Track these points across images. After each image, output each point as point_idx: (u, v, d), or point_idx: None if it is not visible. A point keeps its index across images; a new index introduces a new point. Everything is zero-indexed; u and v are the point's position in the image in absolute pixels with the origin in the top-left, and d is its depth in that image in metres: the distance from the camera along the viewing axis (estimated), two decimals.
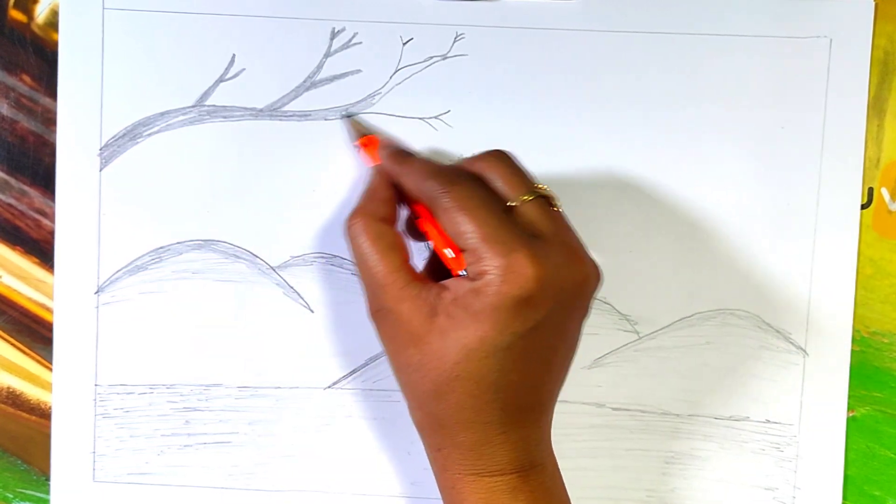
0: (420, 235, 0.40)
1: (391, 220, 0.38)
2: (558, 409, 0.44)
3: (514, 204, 0.36)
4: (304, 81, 0.43)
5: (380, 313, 0.37)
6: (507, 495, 0.36)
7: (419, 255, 0.41)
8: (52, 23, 0.43)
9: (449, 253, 0.37)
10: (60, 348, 0.44)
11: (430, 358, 0.35)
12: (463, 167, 0.38)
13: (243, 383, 0.44)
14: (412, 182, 0.38)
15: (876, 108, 0.43)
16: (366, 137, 0.42)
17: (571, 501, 0.41)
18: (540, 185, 0.37)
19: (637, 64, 0.43)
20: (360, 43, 0.43)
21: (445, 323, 0.35)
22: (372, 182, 0.40)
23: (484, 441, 0.36)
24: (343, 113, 0.43)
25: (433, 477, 0.43)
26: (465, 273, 0.36)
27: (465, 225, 0.35)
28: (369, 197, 0.39)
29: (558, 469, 0.39)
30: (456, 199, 0.35)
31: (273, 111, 0.43)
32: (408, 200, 0.39)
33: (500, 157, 0.38)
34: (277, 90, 0.43)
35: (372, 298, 0.37)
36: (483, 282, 0.34)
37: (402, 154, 0.40)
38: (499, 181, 0.37)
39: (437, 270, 0.39)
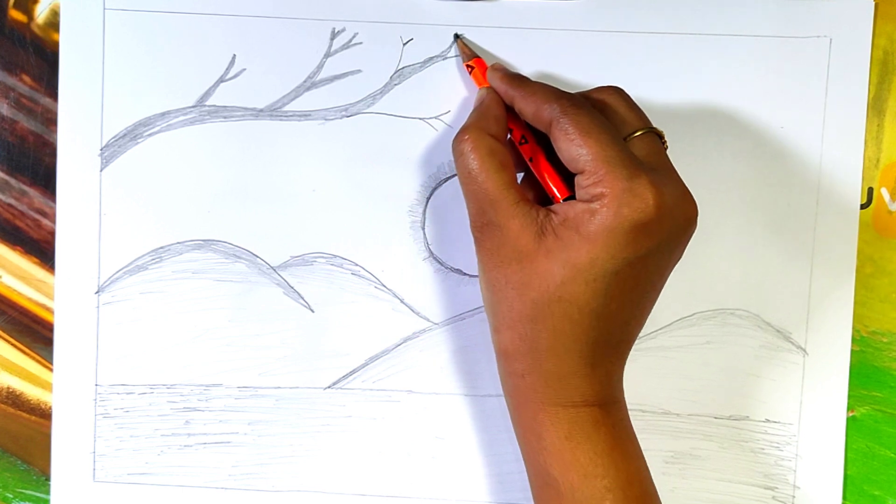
0: (518, 164, 0.40)
1: (502, 138, 0.38)
2: None
3: (630, 136, 0.37)
4: (305, 81, 0.43)
5: (486, 228, 0.37)
6: (589, 427, 0.36)
7: None
8: (53, 23, 0.43)
9: (553, 181, 0.37)
10: (60, 348, 0.44)
11: (534, 276, 0.35)
12: (582, 95, 0.38)
13: (243, 383, 0.44)
14: (530, 104, 0.37)
15: (876, 108, 0.43)
16: (476, 59, 0.42)
17: None
18: (653, 125, 0.38)
19: (637, 64, 0.43)
20: (360, 43, 0.43)
21: (553, 243, 0.35)
22: (485, 101, 0.39)
23: (571, 372, 0.36)
24: (455, 33, 0.43)
25: (431, 477, 0.43)
26: (569, 199, 0.36)
27: (585, 147, 0.35)
28: (482, 114, 0.39)
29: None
30: (577, 123, 0.35)
31: (273, 111, 0.43)
32: (515, 125, 0.39)
33: (618, 92, 0.38)
34: (278, 90, 0.43)
35: (478, 213, 0.37)
36: (601, 203, 0.34)
37: (517, 76, 0.40)
38: (616, 114, 0.37)
39: (534, 199, 0.39)
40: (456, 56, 0.43)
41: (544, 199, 0.39)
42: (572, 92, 0.39)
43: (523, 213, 0.36)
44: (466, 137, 0.37)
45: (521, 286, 0.36)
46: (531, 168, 0.39)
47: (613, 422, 0.37)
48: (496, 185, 0.36)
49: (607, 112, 0.38)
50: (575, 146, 0.35)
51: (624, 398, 0.38)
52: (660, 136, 0.38)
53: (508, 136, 0.40)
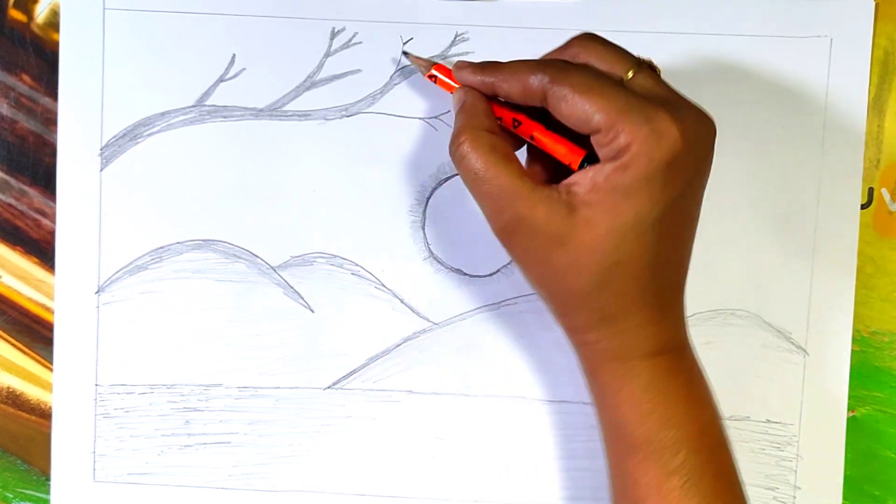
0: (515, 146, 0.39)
1: (497, 131, 0.37)
2: (558, 408, 0.44)
3: (625, 78, 0.36)
4: (304, 81, 0.43)
5: (510, 225, 0.36)
6: (666, 376, 0.36)
7: None
8: (52, 23, 0.43)
9: (566, 145, 0.36)
10: (60, 348, 0.44)
11: (583, 252, 0.35)
12: (560, 57, 0.37)
13: (243, 383, 0.44)
14: (515, 83, 0.36)
15: (876, 108, 0.43)
16: (436, 66, 0.40)
17: (573, 502, 0.41)
18: (639, 56, 0.37)
19: None
20: (360, 43, 0.43)
21: (589, 213, 0.34)
22: (465, 100, 0.38)
23: (645, 323, 0.36)
24: (402, 51, 0.43)
25: (431, 477, 0.43)
26: (583, 167, 0.35)
27: (593, 105, 0.34)
28: (468, 113, 0.37)
29: None
30: (573, 84, 0.34)
31: (273, 111, 0.43)
32: (501, 111, 0.38)
33: (592, 38, 0.37)
34: (277, 90, 0.43)
35: (497, 213, 0.36)
36: (631, 154, 0.33)
37: (488, 63, 0.38)
38: (601, 62, 0.36)
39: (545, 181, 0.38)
40: (451, 54, 0.43)
41: (552, 180, 0.38)
42: (549, 59, 0.38)
43: (545, 197, 0.35)
44: (463, 139, 0.36)
45: (573, 266, 0.35)
46: (534, 146, 0.38)
47: (688, 367, 0.37)
48: (508, 178, 0.35)
49: (590, 63, 0.36)
50: (580, 107, 0.34)
51: (691, 344, 0.38)
52: (650, 65, 0.37)
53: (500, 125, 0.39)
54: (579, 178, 0.35)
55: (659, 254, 0.35)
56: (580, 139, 0.36)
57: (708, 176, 0.37)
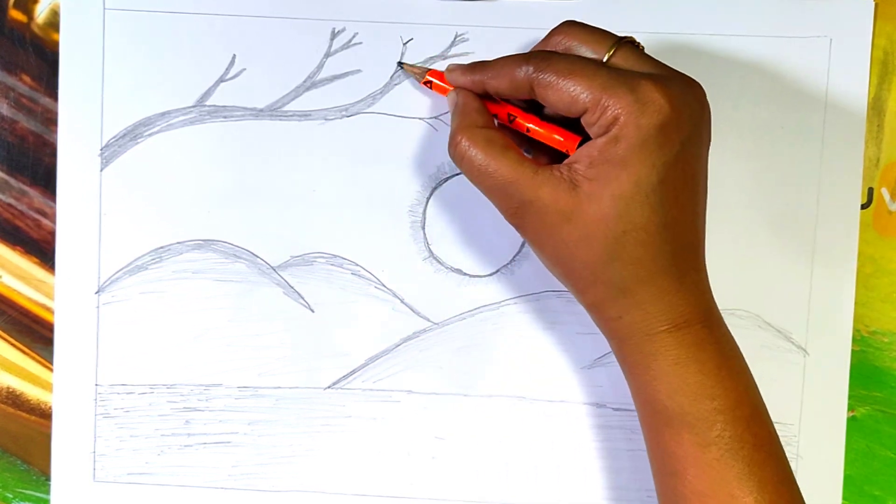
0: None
1: (492, 126, 0.38)
2: (558, 409, 0.44)
3: (606, 58, 0.37)
4: (305, 81, 0.43)
5: (519, 210, 0.37)
6: (695, 348, 0.36)
7: None
8: (52, 23, 0.43)
9: (561, 133, 0.38)
10: (61, 348, 0.44)
11: (590, 226, 0.35)
12: (544, 48, 0.39)
13: (243, 383, 0.44)
14: (503, 78, 0.38)
15: (876, 108, 0.43)
16: (431, 72, 0.42)
17: (572, 502, 0.41)
18: (619, 35, 0.38)
19: None
20: (360, 43, 0.43)
21: (591, 187, 0.35)
22: (458, 101, 0.40)
23: (664, 292, 0.36)
24: (398, 62, 0.43)
25: (431, 477, 0.43)
26: (583, 143, 0.36)
27: (577, 86, 0.35)
28: (462, 113, 0.39)
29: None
30: (556, 69, 0.36)
31: (273, 111, 0.43)
32: (496, 109, 0.39)
33: (573, 24, 0.38)
34: (278, 90, 0.43)
35: (506, 202, 0.37)
36: (619, 125, 0.35)
37: (477, 63, 0.40)
38: (583, 45, 0.38)
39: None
40: (451, 55, 0.43)
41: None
42: (533, 51, 0.39)
43: (548, 178, 0.36)
44: (459, 138, 0.37)
45: (583, 240, 0.36)
46: (532, 137, 0.39)
47: (717, 338, 0.37)
48: (509, 167, 0.36)
49: (571, 48, 0.38)
50: (566, 90, 0.35)
51: (720, 313, 0.38)
52: (632, 42, 0.38)
53: (496, 121, 0.40)
54: (578, 157, 0.36)
55: (666, 218, 0.35)
56: (575, 128, 0.37)
57: (707, 141, 0.37)
